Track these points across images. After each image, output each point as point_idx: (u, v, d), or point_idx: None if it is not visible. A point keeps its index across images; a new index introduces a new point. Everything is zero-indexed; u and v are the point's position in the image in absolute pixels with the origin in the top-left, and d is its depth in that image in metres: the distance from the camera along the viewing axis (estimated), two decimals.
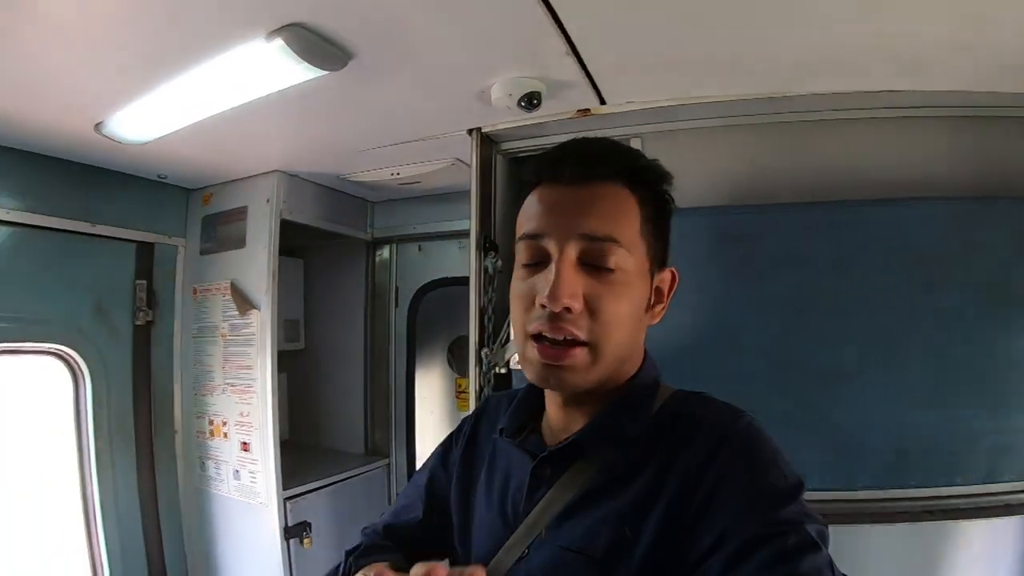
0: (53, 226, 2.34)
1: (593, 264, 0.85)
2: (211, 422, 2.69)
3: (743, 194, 1.97)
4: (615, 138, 2.00)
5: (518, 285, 0.90)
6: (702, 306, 1.87)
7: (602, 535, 0.82)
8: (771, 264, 1.86)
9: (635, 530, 0.80)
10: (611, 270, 0.85)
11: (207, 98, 1.82)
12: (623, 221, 0.87)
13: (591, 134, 2.00)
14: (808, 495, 1.73)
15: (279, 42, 1.47)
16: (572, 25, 1.47)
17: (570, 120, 1.97)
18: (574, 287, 0.83)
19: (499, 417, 1.08)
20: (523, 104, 1.77)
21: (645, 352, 0.98)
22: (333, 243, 3.17)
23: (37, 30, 1.47)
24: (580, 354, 0.84)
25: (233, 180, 2.70)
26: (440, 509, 1.10)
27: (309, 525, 2.59)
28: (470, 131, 2.14)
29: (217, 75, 1.67)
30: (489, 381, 2.08)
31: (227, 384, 2.65)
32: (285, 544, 2.51)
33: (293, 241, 3.05)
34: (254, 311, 2.57)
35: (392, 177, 2.62)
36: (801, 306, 1.84)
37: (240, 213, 2.65)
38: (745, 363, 1.85)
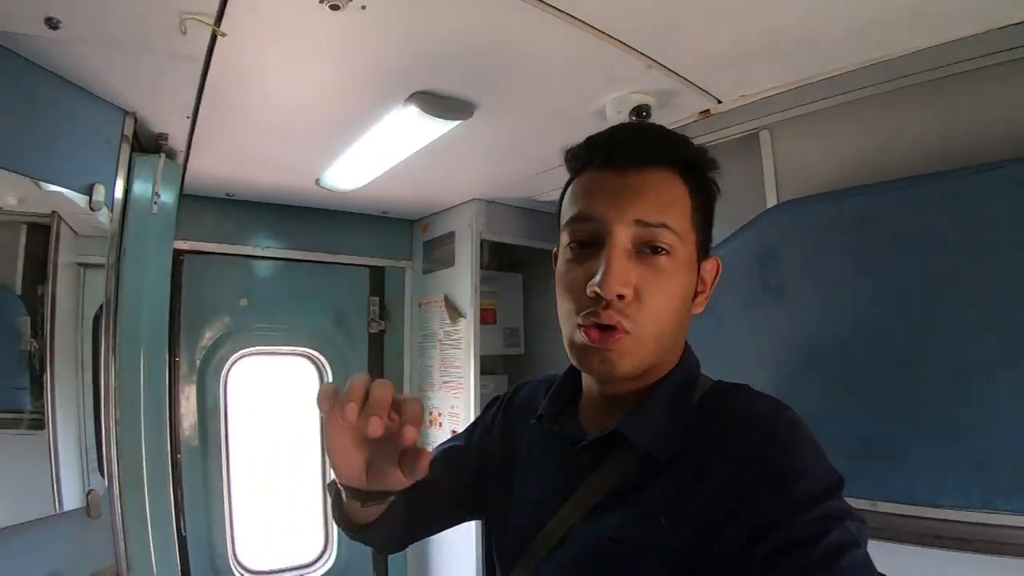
0: (303, 258, 3.03)
1: (645, 251, 0.84)
2: (431, 413, 3.14)
3: (887, 169, 1.75)
4: (743, 135, 2.00)
5: (566, 270, 0.88)
6: (820, 300, 1.76)
7: (638, 525, 0.82)
8: (894, 247, 1.65)
9: (672, 521, 0.79)
10: (663, 258, 0.84)
11: (383, 152, 2.23)
12: (676, 209, 0.86)
13: (719, 134, 2.01)
14: (937, 514, 1.59)
15: (412, 107, 1.80)
16: (641, 44, 1.55)
17: (696, 123, 1.97)
18: (626, 275, 0.82)
19: (534, 403, 1.08)
20: (634, 118, 1.83)
21: (686, 343, 0.97)
22: (544, 257, 3.41)
23: (259, 126, 2.06)
24: (626, 340, 0.83)
25: (443, 210, 3.13)
26: (452, 476, 1.14)
27: None
28: None
29: (383, 135, 2.06)
30: None
31: (443, 382, 3.08)
32: None
33: (512, 258, 3.45)
34: (462, 319, 2.97)
35: None
36: (930, 293, 1.59)
37: (449, 238, 3.07)
38: (867, 360, 1.68)
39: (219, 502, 2.70)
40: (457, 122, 1.91)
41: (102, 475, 1.86)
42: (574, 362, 0.90)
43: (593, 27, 1.46)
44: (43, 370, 1.81)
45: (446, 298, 3.05)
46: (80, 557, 1.72)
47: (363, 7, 1.36)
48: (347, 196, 2.77)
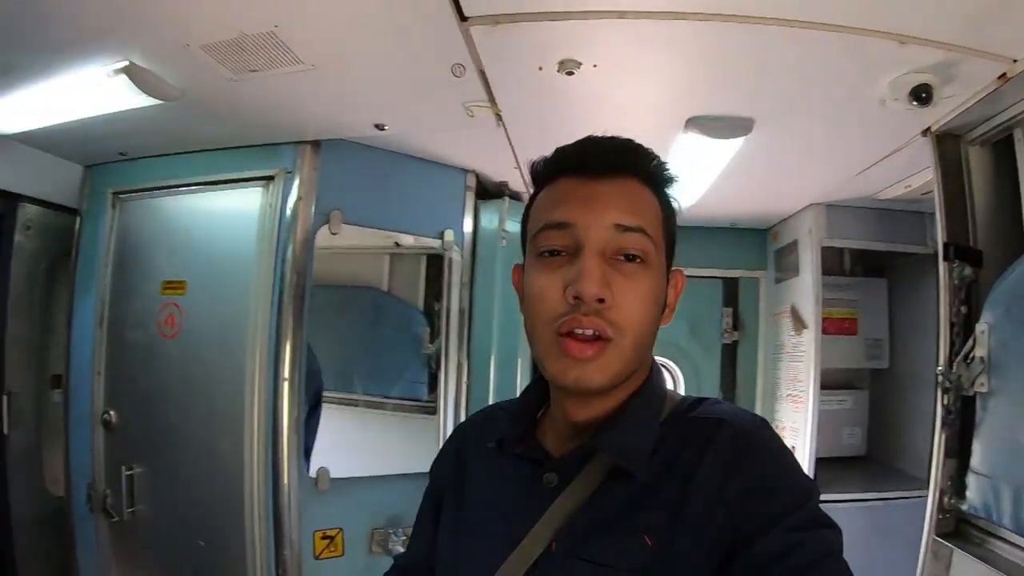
0: None
1: (619, 259, 0.82)
2: (778, 427, 3.04)
3: None
4: None
5: (540, 278, 0.84)
6: None
7: (623, 547, 0.79)
8: None
9: (655, 538, 0.77)
10: (637, 265, 0.82)
11: (692, 173, 2.37)
12: (650, 215, 0.85)
13: None
14: None
15: (692, 132, 1.96)
16: (878, 22, 1.46)
17: (1000, 91, 1.66)
18: (606, 277, 0.79)
19: (487, 433, 1.01)
20: (915, 102, 1.66)
21: (652, 358, 0.94)
22: (909, 260, 3.03)
23: None
24: (607, 349, 0.80)
25: (789, 216, 3.04)
26: (432, 534, 1.06)
27: None
28: (924, 132, 1.97)
29: (680, 159, 2.16)
30: (955, 402, 1.86)
31: (787, 395, 3.00)
32: None
33: (877, 263, 3.20)
34: (804, 330, 2.87)
35: (907, 190, 2.51)
36: None
37: (793, 246, 2.98)
38: None
39: None
40: (740, 138, 1.98)
41: None
42: (548, 375, 0.86)
43: (824, 24, 1.44)
44: (438, 368, 2.49)
45: (792, 308, 2.97)
46: None
47: (594, 65, 1.61)
48: (687, 212, 2.90)
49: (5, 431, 2.62)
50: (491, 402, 2.49)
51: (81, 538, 2.56)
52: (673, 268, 0.93)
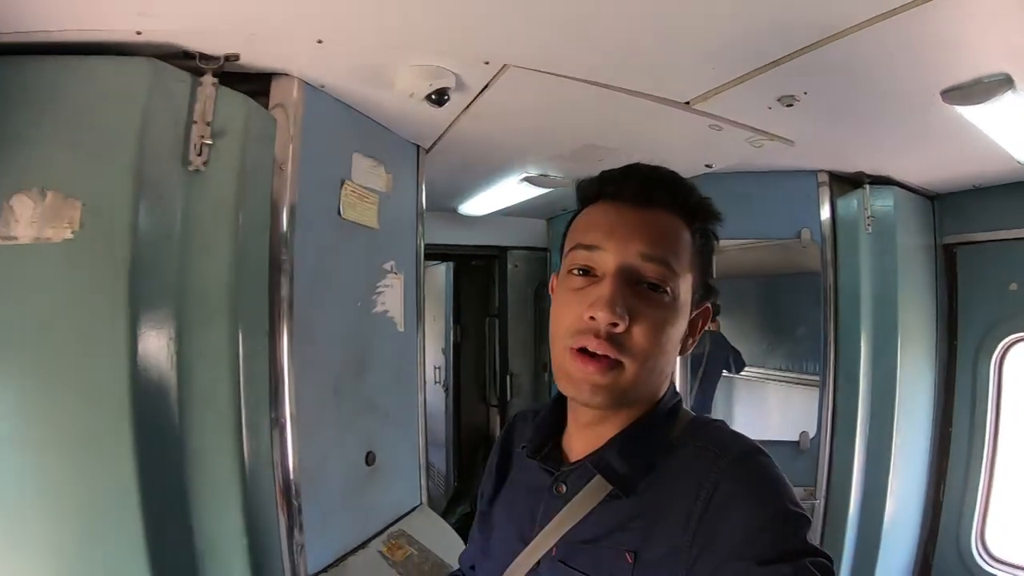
0: None
1: (644, 287, 0.84)
2: None
3: None
4: None
5: (565, 296, 0.87)
6: None
7: (603, 558, 0.83)
8: None
9: (636, 557, 0.80)
10: (661, 293, 0.84)
11: None
12: (678, 248, 0.86)
13: None
14: None
15: (954, 105, 1.74)
16: None
17: None
18: (624, 303, 0.81)
19: (524, 433, 1.06)
20: None
21: (671, 380, 0.96)
22: None
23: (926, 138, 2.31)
24: (616, 371, 0.83)
25: None
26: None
27: None
28: None
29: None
30: None
31: None
32: None
33: None
34: None
35: None
36: None
37: None
38: None
39: (975, 481, 2.78)
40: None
41: (819, 424, 2.75)
42: (562, 388, 0.90)
43: None
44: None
45: None
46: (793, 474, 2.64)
47: (805, 93, 1.74)
48: None
49: (508, 398, 4.13)
50: (861, 381, 2.70)
51: None
52: (707, 303, 0.95)
